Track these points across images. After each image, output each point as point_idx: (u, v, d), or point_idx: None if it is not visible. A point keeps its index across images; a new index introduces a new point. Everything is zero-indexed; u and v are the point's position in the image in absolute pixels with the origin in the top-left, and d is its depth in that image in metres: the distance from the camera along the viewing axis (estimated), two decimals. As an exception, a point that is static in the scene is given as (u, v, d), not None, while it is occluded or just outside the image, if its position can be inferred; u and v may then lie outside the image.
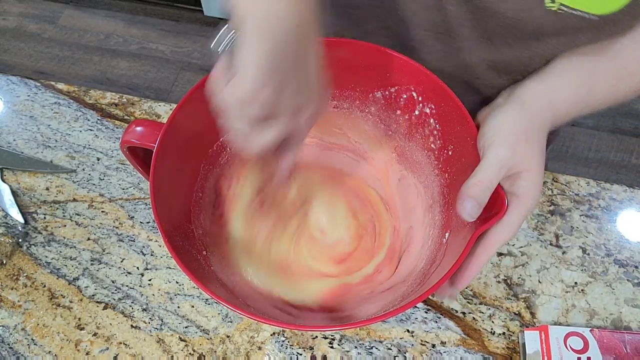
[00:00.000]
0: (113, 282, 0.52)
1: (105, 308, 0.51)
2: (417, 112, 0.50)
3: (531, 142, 0.39)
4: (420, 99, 0.49)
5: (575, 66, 0.44)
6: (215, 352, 0.49)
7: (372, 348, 0.49)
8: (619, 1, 0.38)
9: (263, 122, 0.35)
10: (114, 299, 0.51)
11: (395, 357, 0.49)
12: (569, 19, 0.41)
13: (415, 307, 0.52)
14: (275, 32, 0.32)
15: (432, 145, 0.51)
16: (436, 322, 0.51)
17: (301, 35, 0.34)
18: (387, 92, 0.51)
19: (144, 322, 0.50)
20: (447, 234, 0.47)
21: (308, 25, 0.35)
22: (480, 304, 0.52)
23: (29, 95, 0.64)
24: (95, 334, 0.50)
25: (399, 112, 0.52)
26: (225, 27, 0.34)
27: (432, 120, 0.49)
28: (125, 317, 0.50)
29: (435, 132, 0.50)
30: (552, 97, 0.42)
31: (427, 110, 0.49)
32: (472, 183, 0.39)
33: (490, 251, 0.40)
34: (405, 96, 0.50)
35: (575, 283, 0.53)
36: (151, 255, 0.54)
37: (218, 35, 0.34)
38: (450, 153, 0.48)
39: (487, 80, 0.53)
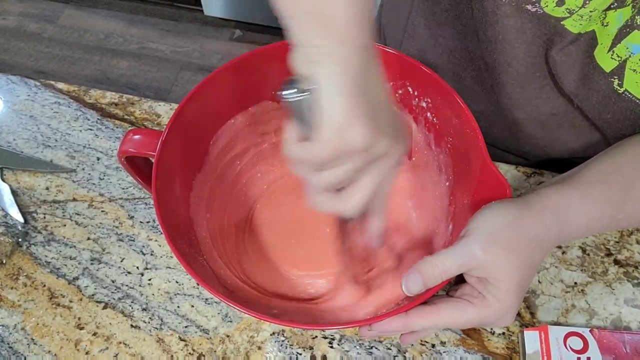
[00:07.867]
0: (113, 281, 0.52)
1: (105, 308, 0.51)
2: (414, 108, 0.50)
3: (511, 253, 0.36)
4: (415, 93, 0.49)
5: (606, 179, 0.41)
6: (215, 351, 0.49)
7: (372, 348, 0.49)
8: None
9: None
10: (114, 299, 0.51)
11: (395, 357, 0.49)
12: (632, 105, 0.43)
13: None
14: (355, 85, 0.31)
15: (430, 139, 0.51)
16: (436, 322, 0.51)
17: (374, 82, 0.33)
18: None
19: (144, 321, 0.50)
20: (450, 227, 0.47)
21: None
22: (480, 304, 0.52)
23: (28, 95, 0.64)
24: (95, 334, 0.50)
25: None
26: (296, 79, 0.31)
27: (429, 114, 0.49)
28: (125, 316, 0.50)
29: (431, 125, 0.50)
30: (565, 209, 0.39)
31: (424, 105, 0.49)
32: (430, 262, 0.36)
33: (425, 321, 0.37)
34: (400, 92, 0.50)
35: (575, 283, 0.53)
36: (151, 254, 0.54)
37: (290, 87, 0.31)
38: (449, 146, 0.49)
39: (530, 131, 0.56)
